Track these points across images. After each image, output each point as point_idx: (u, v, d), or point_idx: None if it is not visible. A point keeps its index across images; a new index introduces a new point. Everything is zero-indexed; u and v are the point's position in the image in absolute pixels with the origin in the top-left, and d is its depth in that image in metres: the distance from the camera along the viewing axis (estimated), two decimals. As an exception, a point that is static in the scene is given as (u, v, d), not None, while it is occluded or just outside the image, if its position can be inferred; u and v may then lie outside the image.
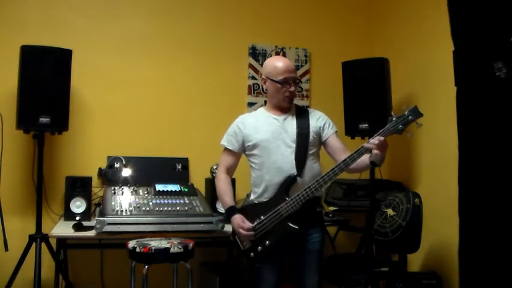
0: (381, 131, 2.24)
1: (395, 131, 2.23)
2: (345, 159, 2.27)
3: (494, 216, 2.13)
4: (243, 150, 2.56)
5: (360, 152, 2.24)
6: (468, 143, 2.28)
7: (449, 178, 2.58)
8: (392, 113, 2.28)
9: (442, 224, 3.12)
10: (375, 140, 2.20)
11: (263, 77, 2.53)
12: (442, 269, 3.17)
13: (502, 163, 2.10)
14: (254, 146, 2.48)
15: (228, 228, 2.78)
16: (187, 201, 3.16)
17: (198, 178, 3.62)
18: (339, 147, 2.50)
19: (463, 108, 2.29)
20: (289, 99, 2.49)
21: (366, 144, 2.23)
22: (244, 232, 2.38)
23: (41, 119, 2.99)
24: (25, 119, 2.99)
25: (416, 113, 2.22)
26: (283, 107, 2.52)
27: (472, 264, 2.22)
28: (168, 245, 2.61)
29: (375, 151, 2.20)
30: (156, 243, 2.63)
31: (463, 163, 2.30)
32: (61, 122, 3.09)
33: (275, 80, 2.45)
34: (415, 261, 3.42)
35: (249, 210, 2.47)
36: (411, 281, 3.09)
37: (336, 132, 2.56)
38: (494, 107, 2.13)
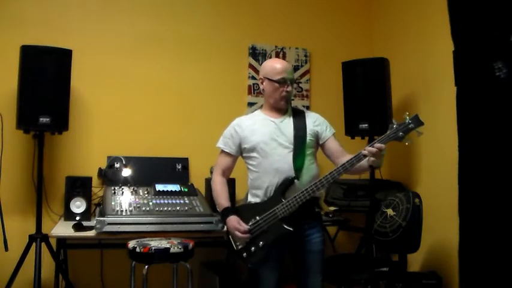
0: (382, 137, 2.25)
1: (395, 138, 2.23)
2: (344, 164, 2.27)
3: (494, 216, 2.13)
4: (240, 153, 2.55)
5: (358, 158, 2.26)
6: (468, 143, 2.28)
7: (449, 178, 2.58)
8: (393, 120, 2.28)
9: (442, 224, 3.11)
10: (373, 148, 2.22)
11: (260, 77, 2.54)
12: (442, 269, 3.17)
13: (501, 163, 2.10)
14: (251, 149, 2.47)
15: (228, 228, 2.78)
16: (187, 201, 3.16)
17: (198, 178, 3.62)
18: (337, 150, 2.50)
19: (463, 108, 2.30)
20: (286, 99, 2.49)
21: (363, 151, 2.24)
22: (240, 234, 2.36)
23: (41, 119, 2.98)
24: (25, 119, 2.99)
25: (418, 122, 2.22)
26: (280, 108, 2.52)
27: (472, 264, 2.22)
28: (168, 245, 2.61)
29: (371, 158, 2.23)
30: (156, 243, 2.63)
31: (463, 163, 2.30)
32: (61, 122, 3.09)
33: (273, 79, 2.45)
34: (415, 261, 3.42)
35: (244, 210, 2.46)
36: (411, 281, 3.09)
37: (334, 134, 2.55)
38: (494, 107, 2.13)
